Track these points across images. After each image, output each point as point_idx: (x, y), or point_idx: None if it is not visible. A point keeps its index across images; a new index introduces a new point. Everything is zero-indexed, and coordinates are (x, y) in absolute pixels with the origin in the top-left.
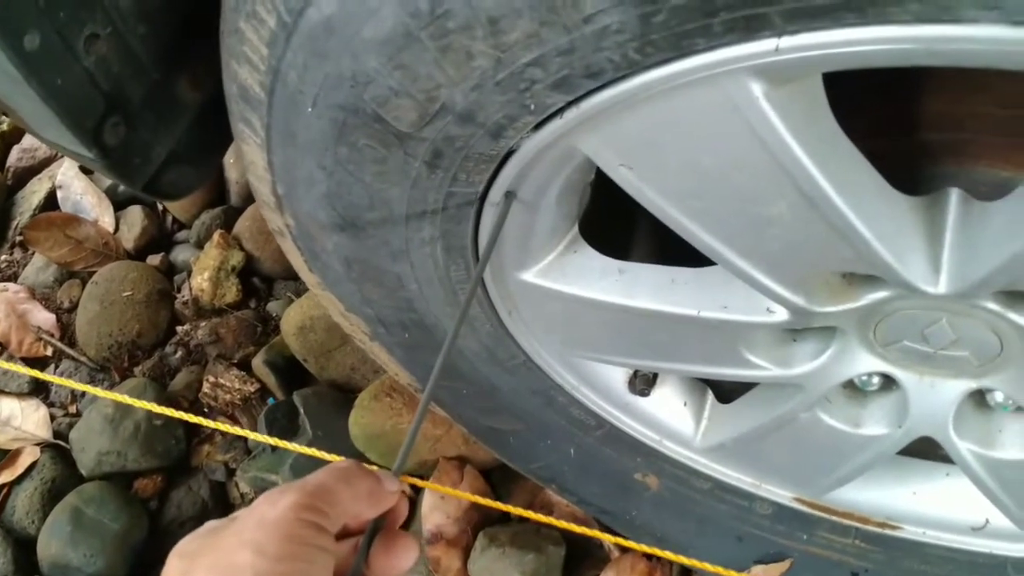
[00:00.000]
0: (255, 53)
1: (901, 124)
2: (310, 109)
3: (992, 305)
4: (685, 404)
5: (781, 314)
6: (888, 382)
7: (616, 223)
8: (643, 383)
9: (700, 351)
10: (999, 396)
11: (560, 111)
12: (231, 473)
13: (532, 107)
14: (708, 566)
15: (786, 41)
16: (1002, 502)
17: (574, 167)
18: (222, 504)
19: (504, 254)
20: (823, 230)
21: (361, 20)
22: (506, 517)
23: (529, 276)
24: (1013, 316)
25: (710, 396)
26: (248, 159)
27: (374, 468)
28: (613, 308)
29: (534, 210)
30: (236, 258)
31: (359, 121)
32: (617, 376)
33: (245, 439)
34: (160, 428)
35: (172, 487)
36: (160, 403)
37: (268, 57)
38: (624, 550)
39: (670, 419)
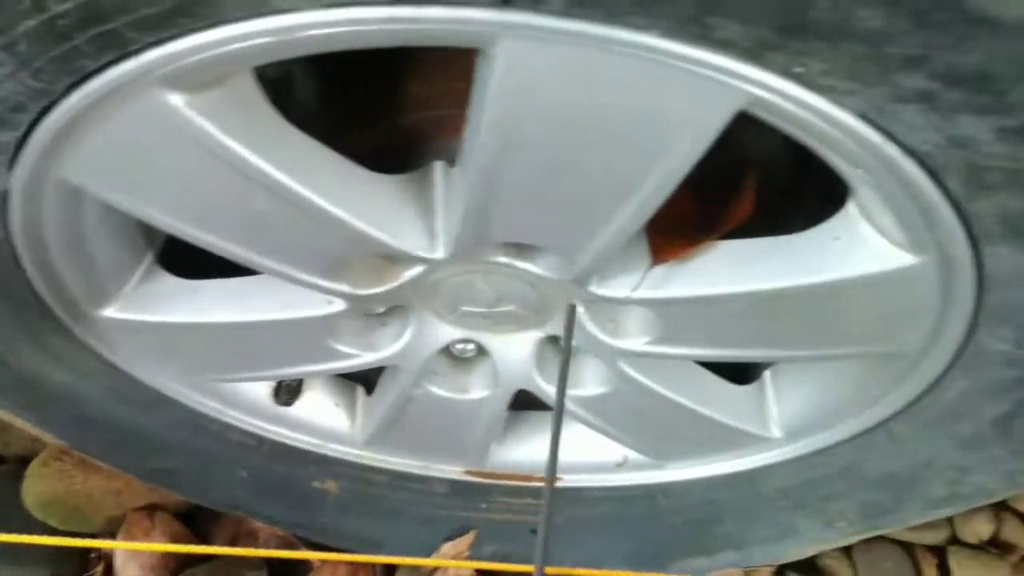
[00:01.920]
0: None
1: (394, 109)
2: None
3: (502, 258)
4: (337, 405)
5: (338, 303)
6: (481, 346)
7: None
8: (287, 393)
9: (298, 351)
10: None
11: (18, 148)
12: None
13: None
14: (395, 559)
15: (153, 53)
16: (614, 435)
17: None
18: None
19: (75, 294)
20: (310, 221)
21: None
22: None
23: (112, 312)
24: (522, 265)
25: (360, 392)
26: None
27: None
28: (199, 328)
29: (83, 248)
30: None
31: None
32: (259, 391)
33: None
34: None
35: None
36: None
37: None
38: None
39: (326, 422)
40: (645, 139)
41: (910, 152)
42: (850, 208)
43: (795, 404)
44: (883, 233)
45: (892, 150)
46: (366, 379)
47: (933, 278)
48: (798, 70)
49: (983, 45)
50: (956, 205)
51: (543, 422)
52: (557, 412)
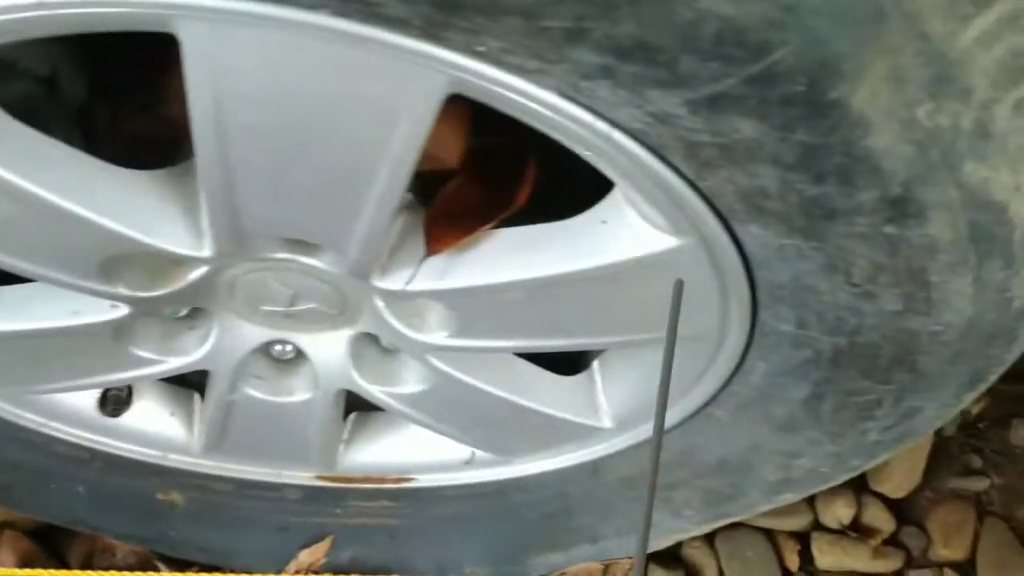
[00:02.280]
0: None
1: (163, 101)
2: None
3: (282, 254)
4: (172, 414)
5: (123, 307)
6: (299, 347)
7: None
8: (114, 403)
9: (100, 359)
10: (383, 337)
11: None
12: None
13: None
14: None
15: None
16: (448, 432)
17: None
18: None
19: None
20: (52, 221)
21: None
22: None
23: None
24: (303, 260)
25: (197, 399)
26: None
27: None
28: None
29: None
30: None
31: None
32: (84, 401)
33: None
34: None
35: None
36: None
37: None
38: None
39: (162, 431)
40: (360, 127)
41: (625, 131)
42: (616, 192)
43: (622, 393)
44: (644, 216)
45: (606, 128)
46: (201, 386)
47: (703, 260)
48: (480, 48)
49: (630, 13)
50: (692, 184)
51: (390, 423)
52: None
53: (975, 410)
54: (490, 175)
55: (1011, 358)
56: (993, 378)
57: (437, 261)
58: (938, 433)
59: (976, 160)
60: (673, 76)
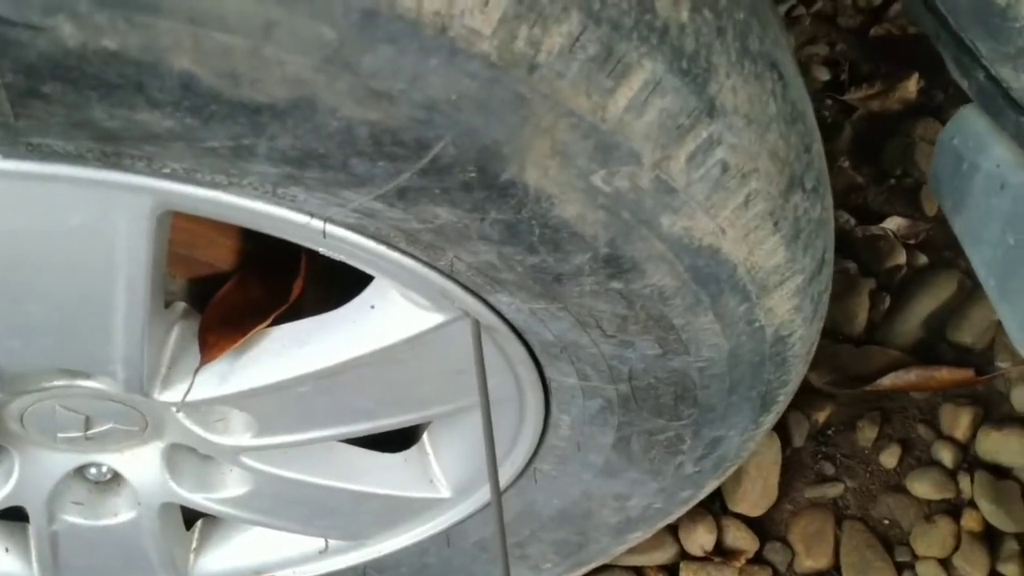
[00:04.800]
0: None
1: None
2: None
3: (58, 381)
4: (7, 550)
5: None
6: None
7: None
8: None
9: None
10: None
11: None
12: None
13: None
14: None
15: None
16: (290, 528)
17: None
18: None
19: None
20: None
21: None
22: None
23: None
24: (84, 384)
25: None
26: None
27: None
28: None
29: None
30: None
31: None
32: None
33: None
34: None
35: None
36: None
37: None
38: None
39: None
40: (78, 256)
41: (343, 226)
42: (378, 277)
43: (453, 461)
44: (407, 298)
45: (322, 226)
46: None
47: (473, 330)
48: (166, 170)
49: (281, 130)
50: (430, 265)
51: (237, 524)
52: None
53: (821, 418)
54: (265, 271)
55: (793, 378)
56: (785, 398)
57: (218, 366)
58: (788, 445)
59: (670, 213)
60: (353, 177)
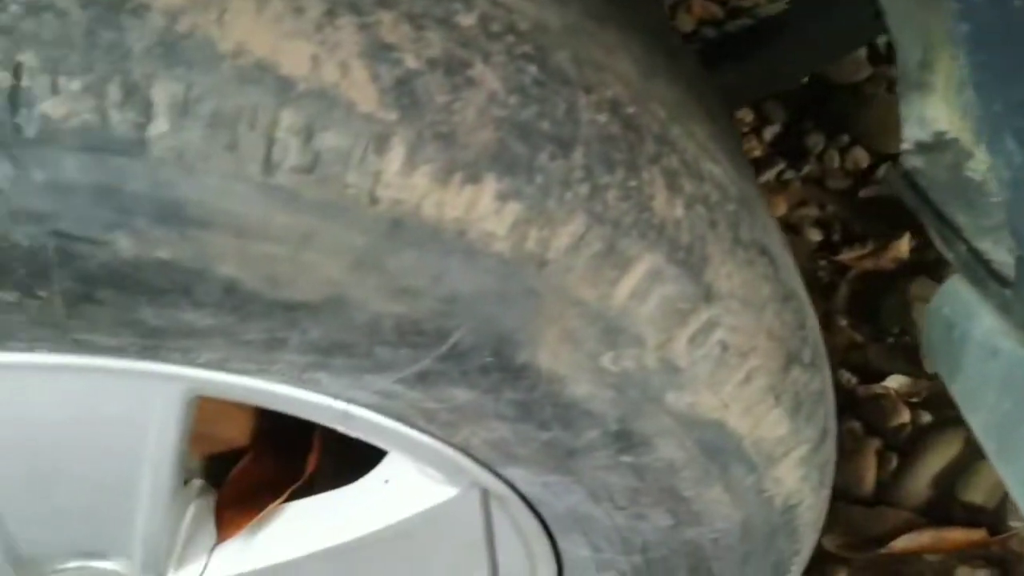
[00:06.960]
0: None
1: None
2: None
3: (74, 563)
4: None
5: None
6: None
7: None
8: None
9: None
10: None
11: None
12: None
13: None
14: None
15: None
16: None
17: None
18: None
19: None
20: None
21: None
22: None
23: None
24: (99, 565)
25: None
26: None
27: None
28: None
29: None
30: None
31: None
32: None
33: None
34: None
35: None
36: None
37: None
38: None
39: None
40: (110, 442)
41: (364, 406)
42: (392, 452)
43: None
44: (422, 472)
45: (344, 407)
46: None
47: (488, 503)
48: (200, 361)
49: (315, 323)
50: (446, 442)
51: None
52: None
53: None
54: (279, 447)
55: (805, 547)
56: (798, 567)
57: (232, 544)
58: None
59: (675, 390)
60: (376, 363)
